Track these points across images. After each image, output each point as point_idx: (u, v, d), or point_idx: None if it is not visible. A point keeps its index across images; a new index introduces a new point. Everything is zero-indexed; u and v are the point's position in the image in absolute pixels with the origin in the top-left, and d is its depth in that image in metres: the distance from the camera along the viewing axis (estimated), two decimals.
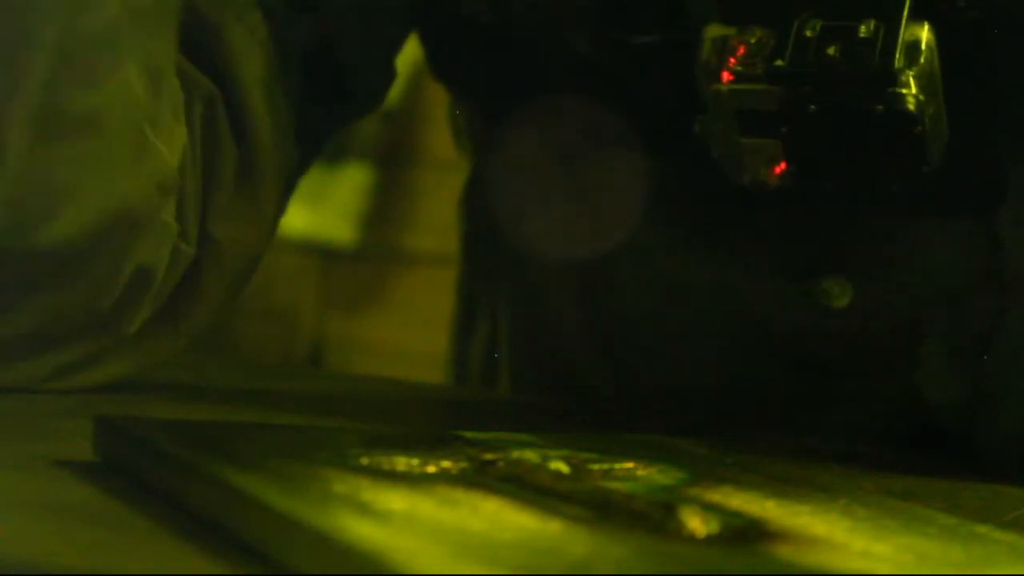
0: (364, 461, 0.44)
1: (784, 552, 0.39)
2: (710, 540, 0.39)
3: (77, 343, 0.62)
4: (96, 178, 0.59)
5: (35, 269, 0.59)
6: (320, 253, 2.35)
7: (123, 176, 0.59)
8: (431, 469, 0.44)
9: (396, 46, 0.74)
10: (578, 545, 0.38)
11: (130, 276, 0.62)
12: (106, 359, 0.64)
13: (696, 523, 0.40)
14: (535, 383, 0.79)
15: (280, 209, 0.69)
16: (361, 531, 0.37)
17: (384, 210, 2.39)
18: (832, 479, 0.55)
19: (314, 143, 0.71)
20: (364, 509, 0.39)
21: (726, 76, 0.61)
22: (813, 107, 0.60)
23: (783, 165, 0.62)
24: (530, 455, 0.46)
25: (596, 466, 0.46)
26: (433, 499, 0.40)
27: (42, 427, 0.56)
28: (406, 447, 0.46)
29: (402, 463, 0.44)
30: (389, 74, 0.74)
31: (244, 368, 0.82)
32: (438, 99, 0.80)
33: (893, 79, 0.59)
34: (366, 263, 2.44)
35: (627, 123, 0.68)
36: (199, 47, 0.65)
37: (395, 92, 0.78)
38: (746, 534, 0.40)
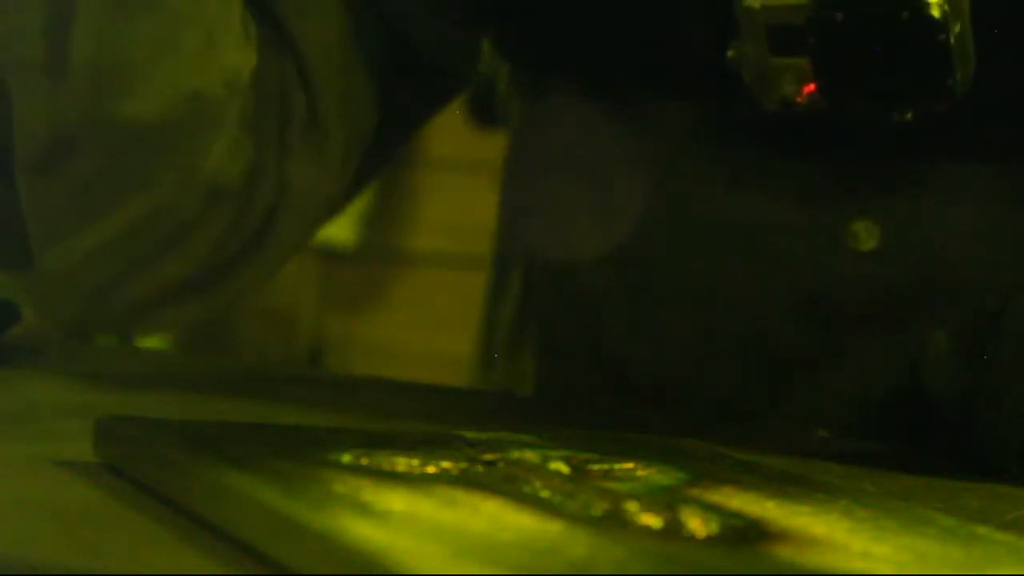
0: (364, 461, 0.44)
1: (784, 553, 0.39)
2: (710, 540, 0.39)
3: (162, 265, 0.66)
4: (167, 62, 0.63)
5: (121, 147, 0.63)
6: (320, 253, 2.35)
7: (193, 63, 0.63)
8: (431, 469, 0.44)
9: (477, 25, 0.75)
10: (578, 545, 0.38)
11: (206, 187, 0.65)
12: (191, 294, 0.68)
13: (696, 523, 0.40)
14: (563, 364, 0.79)
15: (349, 165, 0.71)
16: (361, 531, 0.37)
17: (384, 210, 2.39)
18: (832, 479, 0.55)
19: (402, 116, 0.73)
20: (364, 509, 0.39)
21: None
22: (840, 16, 0.61)
23: (812, 86, 0.63)
24: (530, 455, 0.46)
25: (596, 466, 0.46)
26: (433, 499, 0.40)
27: (42, 427, 0.56)
28: (406, 447, 0.46)
29: (402, 463, 0.44)
30: (473, 52, 0.75)
31: (244, 368, 0.82)
32: None
33: None
34: (366, 263, 2.44)
35: (658, 73, 0.69)
36: (263, 8, 0.68)
37: None
38: (746, 534, 0.40)
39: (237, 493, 0.40)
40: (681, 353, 0.73)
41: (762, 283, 0.70)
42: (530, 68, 0.78)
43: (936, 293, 0.68)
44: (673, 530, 0.39)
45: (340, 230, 2.36)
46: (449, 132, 0.85)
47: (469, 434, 0.49)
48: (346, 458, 0.44)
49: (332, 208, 0.72)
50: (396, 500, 0.40)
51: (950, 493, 0.56)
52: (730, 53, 0.65)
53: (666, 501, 0.42)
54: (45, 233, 0.65)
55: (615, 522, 0.40)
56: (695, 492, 0.44)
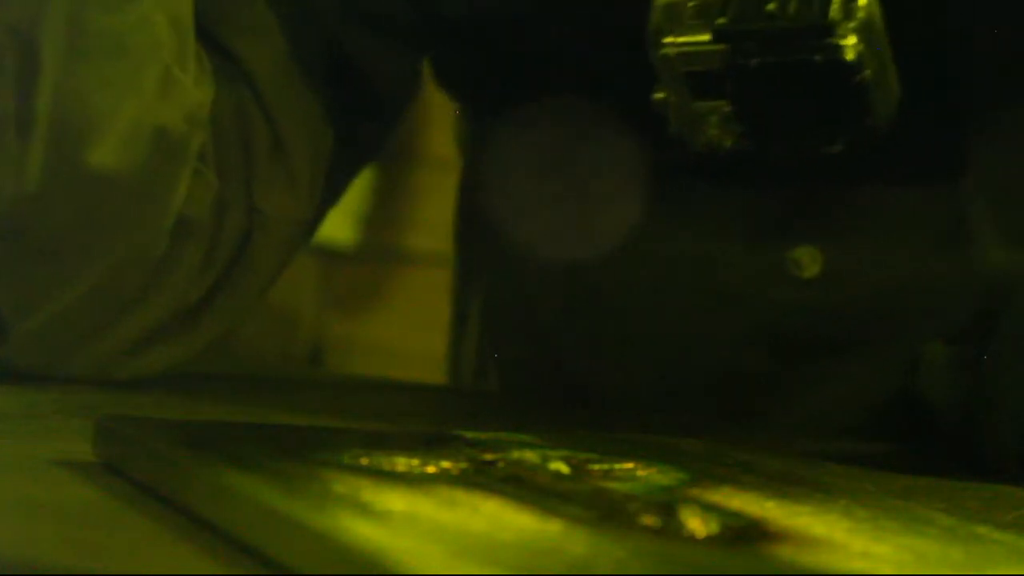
0: (364, 461, 0.44)
1: (784, 553, 0.39)
2: (710, 540, 0.39)
3: (139, 310, 0.65)
4: (129, 104, 0.63)
5: (90, 197, 0.63)
6: (320, 253, 2.35)
7: (152, 102, 0.63)
8: (431, 469, 0.44)
9: (416, 55, 0.75)
10: (578, 545, 0.38)
11: (174, 224, 0.65)
12: (169, 336, 0.67)
13: (696, 523, 0.40)
14: (522, 378, 0.79)
15: (317, 185, 0.71)
16: (361, 531, 0.37)
17: (384, 210, 2.39)
18: (832, 479, 0.55)
19: (354, 139, 0.73)
20: (364, 509, 0.39)
21: (673, 39, 0.62)
22: (755, 62, 0.61)
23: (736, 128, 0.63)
24: (530, 455, 0.46)
25: (596, 466, 0.46)
26: (433, 499, 0.40)
27: (42, 427, 0.56)
28: (406, 447, 0.46)
29: (402, 463, 0.44)
30: (414, 77, 0.75)
31: (244, 368, 0.82)
32: (438, 99, 0.80)
33: (830, 30, 0.60)
34: (366, 263, 2.44)
35: (604, 109, 0.69)
36: (208, 36, 0.68)
37: None
38: (746, 534, 0.40)
39: (237, 493, 0.40)
40: (639, 384, 0.74)
41: (713, 316, 0.71)
42: (467, 101, 0.79)
43: (884, 316, 0.68)
44: (673, 530, 0.39)
45: (340, 230, 2.36)
46: (449, 132, 0.85)
47: (469, 434, 0.49)
48: (346, 458, 0.44)
49: (304, 232, 0.72)
50: (396, 500, 0.40)
51: (950, 493, 0.56)
52: (655, 97, 0.65)
53: (666, 501, 0.42)
54: (17, 299, 0.64)
55: (615, 522, 0.40)
56: (695, 492, 0.44)
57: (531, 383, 0.79)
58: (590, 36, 0.68)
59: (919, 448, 0.66)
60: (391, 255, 2.41)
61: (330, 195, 0.73)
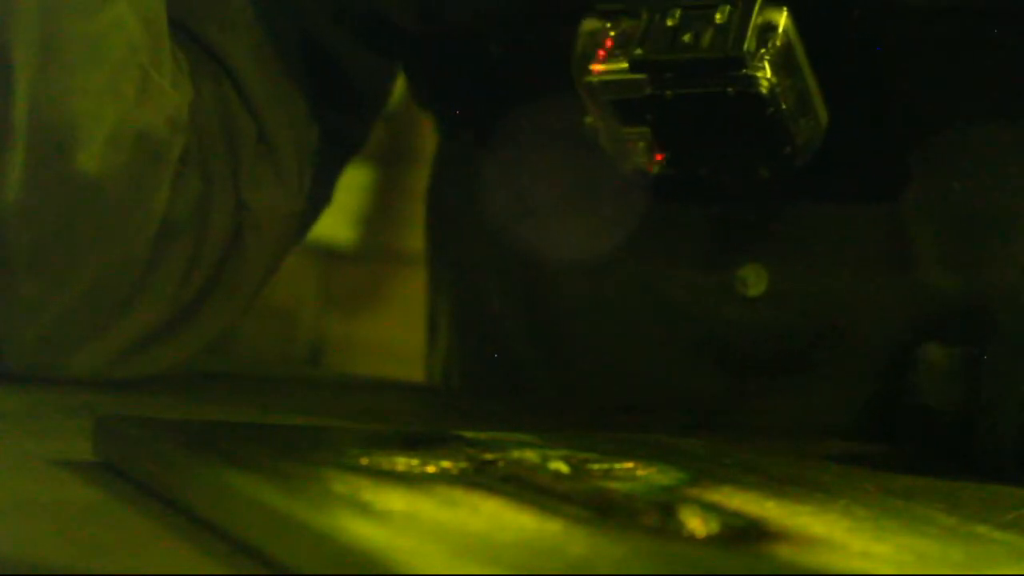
0: (364, 461, 0.44)
1: (784, 552, 0.39)
2: (710, 540, 0.39)
3: (131, 313, 0.65)
4: (108, 108, 0.62)
5: (75, 204, 0.62)
6: (320, 253, 2.35)
7: (132, 106, 0.63)
8: (431, 469, 0.44)
9: (394, 49, 0.75)
10: (578, 545, 0.38)
11: (157, 228, 0.65)
12: (166, 336, 0.67)
13: (696, 523, 0.40)
14: (482, 383, 0.80)
15: (305, 178, 0.71)
16: (361, 531, 0.37)
17: (384, 210, 2.39)
18: (832, 479, 0.55)
19: (340, 137, 0.73)
20: (364, 509, 0.39)
21: (595, 68, 0.62)
22: (670, 93, 0.61)
23: (661, 155, 0.63)
24: (530, 455, 0.46)
25: (596, 466, 0.46)
26: (433, 499, 0.40)
27: (42, 427, 0.56)
28: (406, 447, 0.46)
29: (402, 463, 0.44)
30: (392, 76, 0.75)
31: (244, 368, 0.82)
32: None
33: (742, 62, 0.60)
34: (366, 263, 2.44)
35: (558, 128, 0.69)
36: (188, 32, 0.68)
37: (395, 92, 0.78)
38: (746, 534, 0.40)
39: (237, 493, 0.40)
40: (596, 398, 0.74)
41: (665, 333, 0.71)
42: (433, 108, 0.79)
43: (830, 333, 0.69)
44: (673, 530, 0.39)
45: (339, 230, 2.36)
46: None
47: (469, 434, 0.49)
48: (346, 458, 0.44)
49: (297, 229, 0.72)
50: (396, 500, 0.40)
51: (950, 493, 0.56)
52: (587, 120, 0.65)
53: (666, 501, 0.42)
54: (10, 314, 0.64)
55: (615, 522, 0.40)
56: (695, 492, 0.45)
57: (492, 390, 0.79)
58: (546, 53, 0.68)
59: (916, 449, 0.66)
60: (391, 255, 2.41)
61: (320, 191, 0.73)
